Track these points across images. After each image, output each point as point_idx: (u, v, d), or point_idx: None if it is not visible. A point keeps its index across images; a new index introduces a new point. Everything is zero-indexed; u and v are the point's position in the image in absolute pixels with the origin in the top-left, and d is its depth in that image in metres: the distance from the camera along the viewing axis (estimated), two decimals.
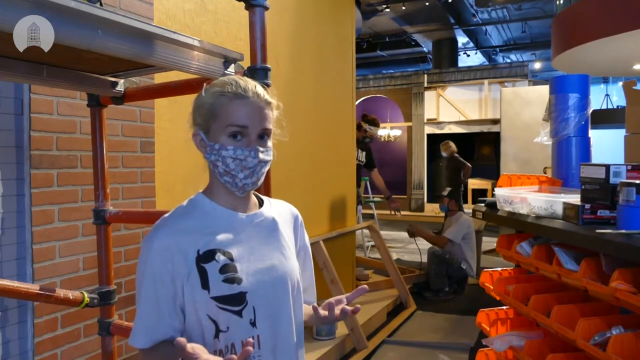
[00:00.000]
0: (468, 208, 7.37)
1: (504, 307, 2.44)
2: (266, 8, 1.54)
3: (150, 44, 1.27)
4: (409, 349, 3.65)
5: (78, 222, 2.09)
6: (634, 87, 3.47)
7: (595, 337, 1.64)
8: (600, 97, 13.41)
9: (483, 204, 2.57)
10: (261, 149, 1.03)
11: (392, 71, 15.36)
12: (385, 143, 12.64)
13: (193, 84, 1.62)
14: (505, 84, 11.21)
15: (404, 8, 10.54)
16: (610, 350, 1.51)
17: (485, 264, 5.67)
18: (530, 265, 2.14)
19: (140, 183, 2.37)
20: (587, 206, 1.74)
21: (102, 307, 1.91)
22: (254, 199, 1.14)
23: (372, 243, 6.10)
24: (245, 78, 1.07)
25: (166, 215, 1.07)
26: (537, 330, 2.24)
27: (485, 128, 11.66)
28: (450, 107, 12.08)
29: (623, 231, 1.54)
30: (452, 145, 7.95)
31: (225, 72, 1.49)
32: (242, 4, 1.54)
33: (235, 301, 1.01)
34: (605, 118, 9.38)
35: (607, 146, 9.86)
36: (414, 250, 5.99)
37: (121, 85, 1.80)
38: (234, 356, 0.84)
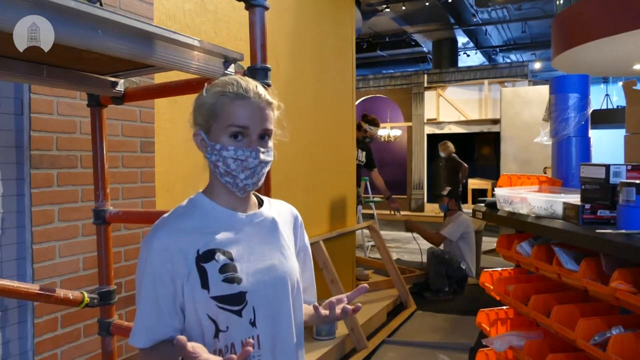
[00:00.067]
0: (468, 208, 7.37)
1: (504, 307, 2.44)
2: (266, 8, 1.54)
3: (150, 44, 1.27)
4: (409, 349, 3.65)
5: (78, 222, 2.09)
6: (634, 87, 3.47)
7: (595, 337, 1.64)
8: (600, 97, 13.41)
9: (483, 204, 2.57)
10: (262, 149, 1.03)
11: (392, 71, 15.36)
12: (385, 143, 12.64)
13: (193, 84, 1.62)
14: (505, 84, 11.21)
15: (404, 8, 10.54)
16: (610, 350, 1.51)
17: (485, 264, 5.67)
18: (530, 265, 2.14)
19: (140, 183, 2.37)
20: (587, 206, 1.74)
21: (102, 307, 1.91)
22: (253, 199, 1.14)
23: (372, 243, 6.10)
24: (247, 78, 1.07)
25: (166, 215, 1.07)
26: (537, 330, 2.24)
27: (485, 128, 11.66)
28: (450, 107, 12.08)
29: (623, 231, 1.54)
30: (450, 145, 7.97)
31: (225, 72, 1.49)
32: (242, 4, 1.54)
33: (235, 301, 1.01)
34: (605, 118, 9.38)
35: (607, 146, 9.86)
36: (414, 250, 5.99)
37: (121, 85, 1.80)
38: (233, 356, 0.84)
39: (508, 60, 15.37)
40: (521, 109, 7.66)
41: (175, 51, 1.35)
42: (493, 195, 2.45)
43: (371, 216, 7.37)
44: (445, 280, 4.93)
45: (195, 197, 1.10)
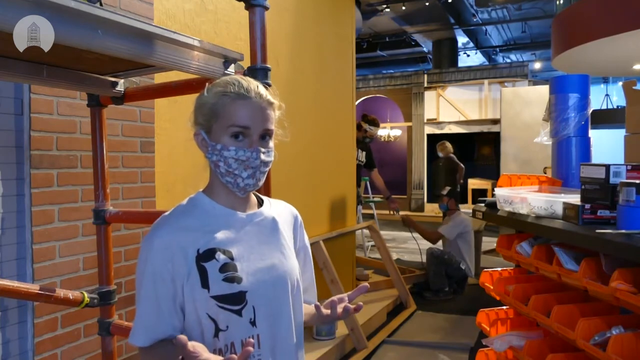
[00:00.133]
0: (468, 208, 7.38)
1: (504, 307, 2.44)
2: (266, 8, 1.54)
3: (150, 44, 1.27)
4: (409, 349, 3.65)
5: (78, 222, 2.09)
6: (634, 87, 3.47)
7: (595, 337, 1.64)
8: (600, 97, 13.41)
9: (483, 204, 2.57)
10: (263, 149, 1.03)
11: (392, 71, 15.36)
12: (385, 143, 12.64)
13: (193, 84, 1.62)
14: (505, 84, 11.21)
15: (404, 8, 10.54)
16: (610, 350, 1.51)
17: (485, 264, 5.67)
18: (530, 265, 2.14)
19: (140, 183, 2.37)
20: (587, 206, 1.74)
21: (102, 307, 1.91)
22: (253, 198, 1.14)
23: (372, 243, 6.10)
24: (248, 78, 1.07)
25: (166, 213, 1.07)
26: (537, 330, 2.24)
27: (485, 128, 11.66)
28: (450, 107, 12.08)
29: (623, 231, 1.54)
30: (449, 145, 8.00)
31: (225, 72, 1.49)
32: (242, 4, 1.54)
33: (235, 300, 1.01)
34: (605, 118, 9.38)
35: (607, 146, 9.86)
36: (414, 250, 6.00)
37: (121, 85, 1.80)
38: (234, 356, 0.84)
39: (508, 60, 15.37)
40: (521, 109, 7.66)
41: (175, 51, 1.35)
42: (493, 195, 2.45)
43: (371, 216, 7.37)
44: (445, 280, 4.93)
45: (195, 197, 1.10)
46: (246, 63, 1.57)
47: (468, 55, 14.46)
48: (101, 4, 1.24)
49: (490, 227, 7.28)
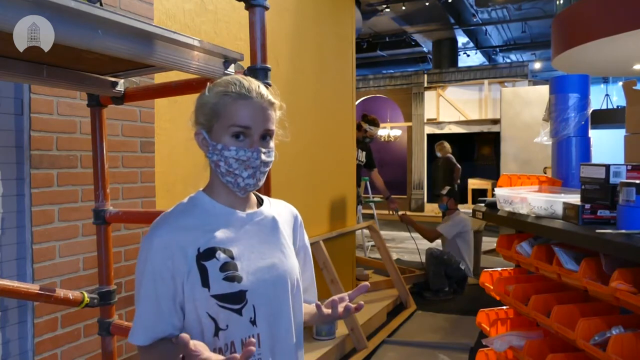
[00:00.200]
0: (468, 208, 7.38)
1: (504, 307, 2.44)
2: (266, 8, 1.54)
3: (150, 44, 1.27)
4: (409, 349, 3.65)
5: (78, 222, 2.09)
6: (634, 87, 3.47)
7: (595, 337, 1.64)
8: (600, 97, 13.41)
9: (483, 204, 2.57)
10: (263, 150, 1.03)
11: (392, 71, 15.36)
12: (385, 143, 12.64)
13: (193, 84, 1.62)
14: (505, 84, 11.21)
15: (404, 8, 10.54)
16: (610, 350, 1.51)
17: (485, 264, 5.67)
18: (530, 265, 2.14)
19: (140, 183, 2.37)
20: (587, 206, 1.74)
21: (102, 307, 1.91)
22: (253, 198, 1.14)
23: (372, 243, 6.09)
24: (249, 78, 1.07)
25: (166, 212, 1.07)
26: (537, 330, 2.24)
27: (485, 128, 11.66)
28: (450, 107, 12.08)
29: (623, 231, 1.54)
30: (447, 145, 8.02)
31: (225, 72, 1.49)
32: (242, 4, 1.54)
33: (235, 299, 1.01)
34: (605, 118, 9.38)
35: (607, 146, 9.86)
36: (414, 250, 5.99)
37: (121, 85, 1.80)
38: (236, 355, 0.84)
39: (508, 60, 15.37)
40: (521, 109, 7.66)
41: (175, 51, 1.35)
42: (493, 195, 2.45)
43: (371, 216, 7.37)
44: (445, 280, 4.93)
45: (195, 196, 1.10)
46: (246, 63, 1.57)
47: (468, 55, 14.46)
48: (101, 4, 1.24)
49: (490, 227, 7.28)
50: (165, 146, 2.52)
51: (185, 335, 0.84)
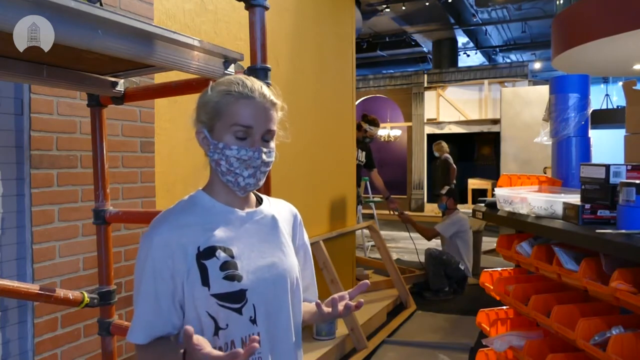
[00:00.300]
0: (468, 208, 7.38)
1: (504, 307, 2.44)
2: (266, 8, 1.54)
3: (150, 44, 1.27)
4: (409, 349, 3.65)
5: (78, 222, 2.09)
6: (634, 87, 3.47)
7: (595, 337, 1.64)
8: (600, 97, 13.41)
9: (483, 204, 2.57)
10: (264, 150, 1.04)
11: (392, 71, 15.37)
12: (385, 143, 12.64)
13: (193, 84, 1.62)
14: (505, 84, 11.21)
15: (404, 8, 10.54)
16: (610, 350, 1.51)
17: (485, 264, 5.67)
18: (530, 265, 2.14)
19: (140, 183, 2.37)
20: (587, 206, 1.74)
21: (102, 307, 1.91)
22: (252, 197, 1.15)
23: (372, 243, 6.09)
24: (252, 78, 1.07)
25: (166, 210, 1.07)
26: (537, 330, 2.24)
27: (485, 128, 11.66)
28: (450, 107, 12.09)
29: (623, 231, 1.54)
30: (444, 145, 8.04)
31: (225, 72, 1.49)
32: (242, 4, 1.54)
33: (235, 298, 1.01)
34: (605, 118, 9.37)
35: (607, 146, 9.86)
36: (414, 250, 5.99)
37: (121, 85, 1.80)
38: (240, 350, 0.83)
39: (508, 60, 15.37)
40: (521, 109, 7.66)
41: (175, 51, 1.35)
42: (493, 195, 2.45)
43: (371, 216, 7.37)
44: (445, 280, 4.93)
45: (195, 194, 1.10)
46: (246, 63, 1.57)
47: (468, 55, 14.46)
48: (101, 4, 1.24)
49: (490, 227, 7.28)
50: (165, 146, 2.52)
51: (189, 328, 0.83)
